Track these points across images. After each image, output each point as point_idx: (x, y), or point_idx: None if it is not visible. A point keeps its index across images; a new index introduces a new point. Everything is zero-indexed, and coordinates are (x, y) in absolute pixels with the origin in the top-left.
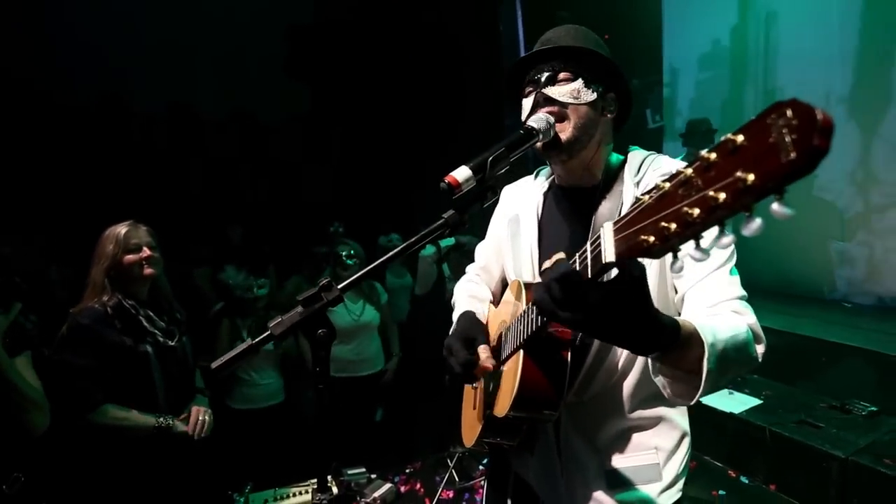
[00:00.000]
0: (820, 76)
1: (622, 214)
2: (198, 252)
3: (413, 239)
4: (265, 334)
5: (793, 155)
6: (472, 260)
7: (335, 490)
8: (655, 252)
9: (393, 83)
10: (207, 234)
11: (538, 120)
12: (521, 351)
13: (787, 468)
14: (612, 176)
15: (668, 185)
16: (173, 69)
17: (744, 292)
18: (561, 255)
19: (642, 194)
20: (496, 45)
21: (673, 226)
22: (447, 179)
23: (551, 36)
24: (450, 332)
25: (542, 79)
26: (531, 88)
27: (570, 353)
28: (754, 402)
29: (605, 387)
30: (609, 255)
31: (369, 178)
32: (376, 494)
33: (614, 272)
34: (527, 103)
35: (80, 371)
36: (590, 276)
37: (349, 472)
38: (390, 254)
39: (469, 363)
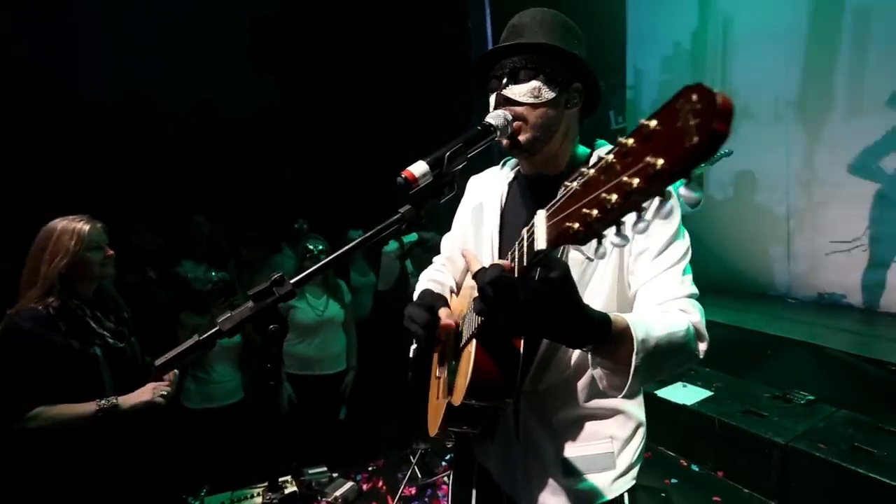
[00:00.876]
0: (771, 80)
1: (553, 201)
2: (153, 246)
3: (369, 234)
4: (213, 330)
5: (695, 139)
6: (435, 255)
7: (288, 490)
8: (581, 238)
9: (360, 77)
10: (164, 228)
11: (496, 117)
12: (475, 340)
13: (734, 455)
14: (576, 167)
15: (592, 171)
16: (132, 59)
17: (695, 291)
18: (501, 262)
19: (570, 181)
20: (465, 41)
21: (594, 212)
22: (404, 174)
23: (517, 22)
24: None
25: (503, 77)
26: (494, 85)
27: (522, 343)
28: (706, 393)
29: (560, 377)
30: (541, 242)
31: (335, 174)
32: (338, 493)
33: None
34: (492, 98)
35: (9, 377)
36: (525, 264)
37: (310, 471)
38: (345, 248)
39: (430, 323)
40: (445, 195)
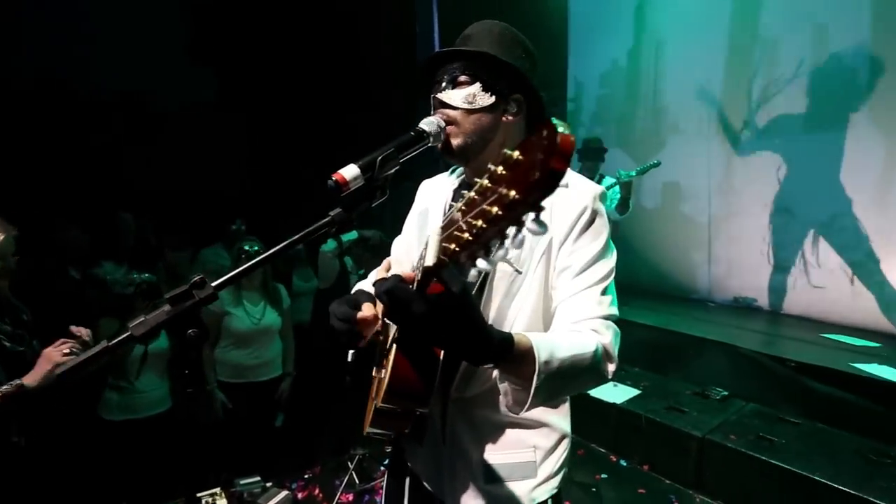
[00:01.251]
0: (697, 99)
1: (444, 219)
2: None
3: (298, 236)
4: (123, 335)
5: (538, 174)
6: (376, 254)
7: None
8: (460, 258)
9: (306, 76)
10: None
11: (429, 123)
12: (395, 345)
13: (658, 449)
14: None
15: (473, 193)
16: (51, 45)
17: (611, 312)
18: (405, 272)
19: (456, 202)
20: (412, 44)
21: (466, 235)
22: (335, 177)
23: (471, 32)
24: None
25: (442, 82)
26: (434, 89)
27: (442, 352)
28: (634, 392)
29: (485, 386)
30: (429, 259)
31: (277, 173)
32: (271, 503)
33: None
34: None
35: None
36: (419, 278)
37: (242, 482)
38: (271, 251)
39: (349, 316)
40: (377, 199)
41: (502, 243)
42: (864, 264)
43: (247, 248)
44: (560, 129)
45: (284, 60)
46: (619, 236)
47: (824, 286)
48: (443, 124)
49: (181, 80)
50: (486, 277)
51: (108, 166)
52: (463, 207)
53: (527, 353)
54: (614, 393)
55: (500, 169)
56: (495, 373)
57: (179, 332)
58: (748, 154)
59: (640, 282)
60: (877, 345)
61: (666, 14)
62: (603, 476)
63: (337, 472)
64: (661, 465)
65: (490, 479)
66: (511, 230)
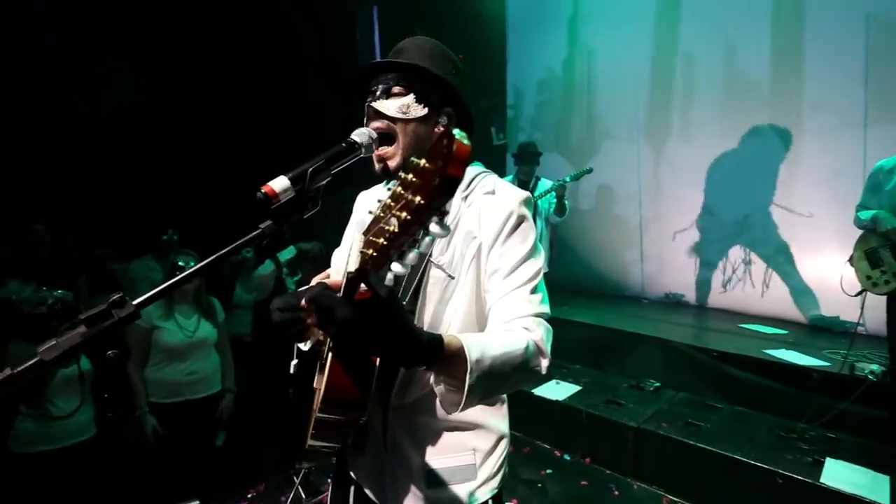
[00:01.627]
0: (626, 107)
1: (367, 225)
2: None
3: (227, 249)
4: (31, 361)
5: (437, 180)
6: (317, 266)
7: None
8: (378, 263)
9: (241, 78)
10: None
11: (360, 134)
12: (331, 354)
13: (598, 442)
14: None
15: (388, 200)
16: None
17: (542, 310)
18: (332, 280)
19: (376, 209)
20: (352, 51)
21: (382, 240)
22: (264, 189)
23: (403, 46)
24: None
25: (377, 92)
26: (369, 99)
27: (378, 359)
28: (575, 388)
29: (424, 390)
30: (351, 264)
31: (213, 181)
32: None
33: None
34: (366, 110)
35: None
36: (344, 284)
37: None
38: (197, 266)
39: (291, 304)
40: (309, 210)
41: (414, 246)
42: (772, 258)
43: (181, 263)
44: (457, 138)
45: (221, 63)
46: (558, 238)
47: (741, 280)
48: (374, 135)
49: (106, 79)
50: (419, 284)
51: (20, 172)
52: (380, 214)
53: (458, 354)
54: (557, 390)
55: (410, 176)
56: (431, 376)
57: (98, 354)
58: (673, 159)
59: (578, 282)
60: (785, 332)
61: (596, 27)
62: (548, 471)
63: (282, 489)
64: (601, 456)
65: (431, 484)
66: (420, 234)
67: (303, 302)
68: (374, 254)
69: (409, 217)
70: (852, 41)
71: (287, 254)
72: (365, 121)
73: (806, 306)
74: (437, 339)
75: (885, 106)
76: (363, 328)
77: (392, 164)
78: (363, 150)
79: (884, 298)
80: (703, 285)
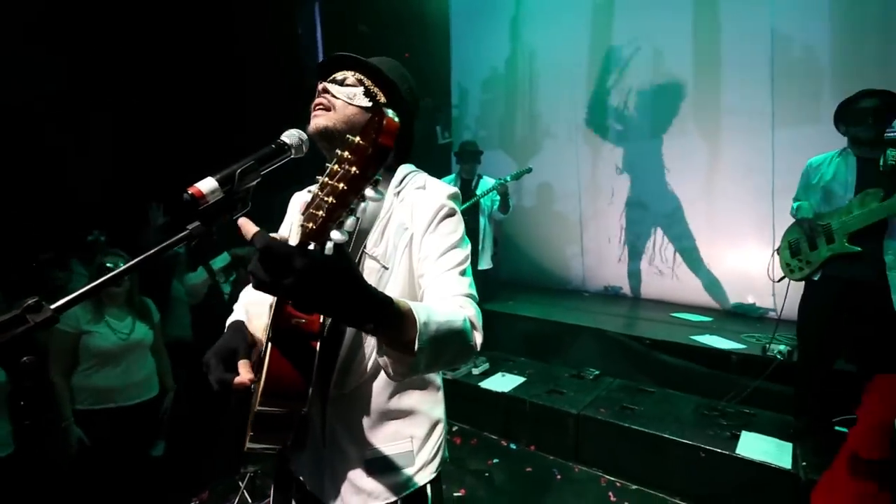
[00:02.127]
0: (565, 106)
1: (307, 204)
2: None
3: (154, 250)
4: None
5: (370, 150)
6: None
7: None
8: (316, 235)
9: (177, 71)
10: None
11: (290, 136)
12: (270, 343)
13: (542, 430)
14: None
15: (325, 177)
16: None
17: (472, 292)
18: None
19: (315, 188)
20: (294, 45)
21: (320, 212)
22: (190, 191)
23: (368, 58)
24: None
25: (332, 77)
26: (321, 81)
27: (318, 345)
28: (520, 380)
29: (362, 379)
30: (292, 240)
31: (143, 178)
32: None
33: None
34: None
35: None
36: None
37: None
38: (123, 267)
39: (224, 381)
40: (238, 211)
41: (351, 214)
42: (697, 250)
43: (109, 264)
44: (388, 114)
45: (153, 56)
46: (503, 235)
47: (671, 271)
48: (304, 136)
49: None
50: None
51: None
52: (318, 191)
53: (407, 314)
54: (502, 382)
55: (345, 153)
56: (373, 346)
57: (13, 362)
58: (609, 157)
59: (523, 277)
60: (709, 319)
61: (536, 27)
62: (495, 461)
63: (227, 495)
64: (545, 443)
65: (370, 473)
66: (355, 202)
67: (238, 379)
68: (314, 226)
69: (345, 187)
70: (761, 53)
71: (220, 261)
72: (313, 105)
73: (728, 294)
74: (387, 297)
75: (788, 112)
76: (321, 280)
77: (321, 121)
78: (293, 151)
79: (801, 285)
80: (637, 277)
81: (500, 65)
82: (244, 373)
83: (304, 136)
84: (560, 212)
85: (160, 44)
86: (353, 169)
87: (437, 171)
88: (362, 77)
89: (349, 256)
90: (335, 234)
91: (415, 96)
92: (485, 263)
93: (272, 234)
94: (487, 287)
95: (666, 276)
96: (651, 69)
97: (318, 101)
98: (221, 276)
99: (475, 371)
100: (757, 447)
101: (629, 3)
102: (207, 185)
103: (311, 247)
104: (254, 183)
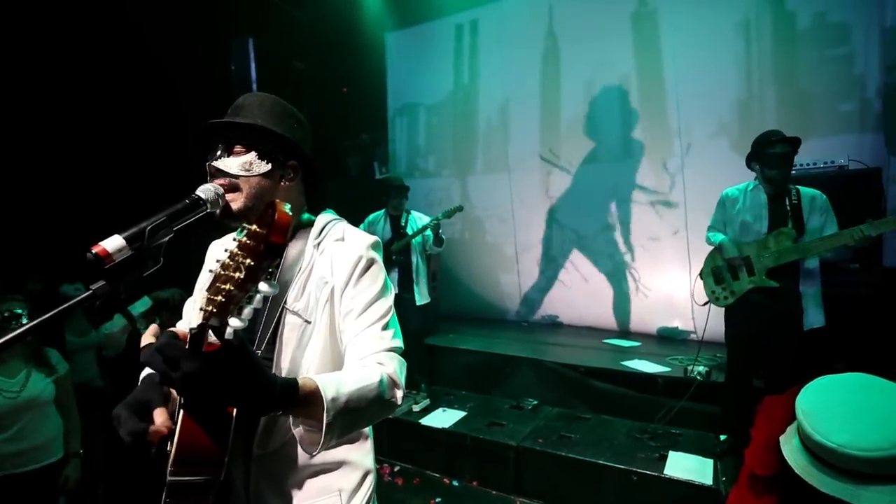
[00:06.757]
0: (498, 137)
1: (208, 285)
2: None
3: (51, 313)
4: None
5: (262, 247)
6: (176, 314)
7: None
8: (217, 319)
9: (107, 109)
10: None
11: (206, 191)
12: (182, 409)
13: (484, 464)
14: (301, 234)
15: (227, 259)
16: None
17: (395, 344)
18: (179, 330)
19: (216, 267)
20: (227, 81)
21: (219, 297)
22: (95, 250)
23: (242, 103)
24: None
25: (217, 150)
26: (210, 157)
27: (235, 409)
28: (461, 414)
29: (286, 436)
30: (195, 321)
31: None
32: None
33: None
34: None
35: None
36: (190, 337)
37: None
38: (19, 330)
39: (137, 432)
40: (150, 268)
41: (250, 302)
42: (627, 277)
43: (18, 311)
44: (279, 209)
45: (78, 93)
46: (441, 268)
47: (602, 297)
48: (220, 191)
49: None
50: (275, 331)
51: None
52: (219, 271)
53: (314, 394)
54: (443, 418)
55: (245, 239)
56: (290, 420)
57: None
58: (544, 186)
59: (463, 309)
60: (638, 343)
61: (476, 59)
62: (437, 500)
63: None
64: (488, 478)
65: None
66: (253, 290)
67: (153, 427)
68: (214, 310)
69: (241, 276)
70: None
71: (140, 306)
72: (208, 178)
73: (655, 319)
74: (291, 383)
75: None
76: (213, 378)
77: (235, 206)
78: (208, 205)
79: (721, 310)
80: (571, 305)
81: (436, 98)
82: (160, 420)
83: (221, 190)
84: (494, 244)
85: (84, 82)
86: (249, 261)
87: (376, 207)
88: (251, 139)
89: (247, 348)
90: (234, 322)
91: (305, 126)
92: (422, 299)
93: (170, 329)
94: (427, 321)
95: (598, 303)
96: (583, 101)
97: (218, 182)
98: (142, 322)
99: (416, 408)
100: (683, 466)
101: (565, 36)
102: (113, 243)
103: (210, 333)
104: (166, 239)
